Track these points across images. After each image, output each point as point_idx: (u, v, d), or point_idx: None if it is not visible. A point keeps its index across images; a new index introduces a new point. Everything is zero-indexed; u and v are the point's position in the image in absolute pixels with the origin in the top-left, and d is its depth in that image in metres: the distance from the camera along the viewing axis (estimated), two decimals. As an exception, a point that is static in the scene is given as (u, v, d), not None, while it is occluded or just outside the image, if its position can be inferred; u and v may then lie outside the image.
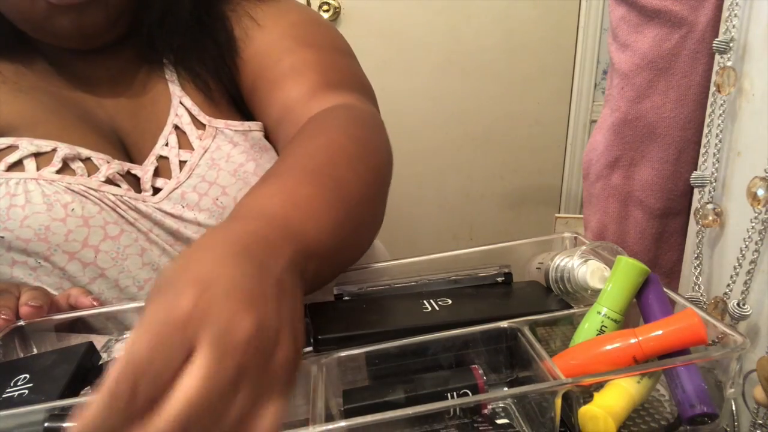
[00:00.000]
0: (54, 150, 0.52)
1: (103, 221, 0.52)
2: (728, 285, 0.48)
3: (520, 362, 0.41)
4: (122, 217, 0.53)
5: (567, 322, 0.45)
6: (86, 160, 0.53)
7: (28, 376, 0.40)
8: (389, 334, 0.41)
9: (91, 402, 0.25)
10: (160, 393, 0.26)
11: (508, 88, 1.77)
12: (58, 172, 0.52)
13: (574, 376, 0.35)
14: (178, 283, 0.28)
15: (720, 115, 0.50)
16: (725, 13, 0.49)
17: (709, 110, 0.52)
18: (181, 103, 0.58)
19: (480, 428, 0.38)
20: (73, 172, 0.52)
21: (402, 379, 0.38)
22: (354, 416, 0.33)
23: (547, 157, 1.86)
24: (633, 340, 0.36)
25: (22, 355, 0.47)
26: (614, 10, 0.63)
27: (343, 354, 0.40)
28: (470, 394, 0.37)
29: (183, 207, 0.55)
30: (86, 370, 0.42)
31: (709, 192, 0.51)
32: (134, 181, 0.56)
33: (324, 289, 0.51)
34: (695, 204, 0.54)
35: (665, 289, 0.42)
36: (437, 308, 0.45)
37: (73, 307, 0.49)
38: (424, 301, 0.46)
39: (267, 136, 0.61)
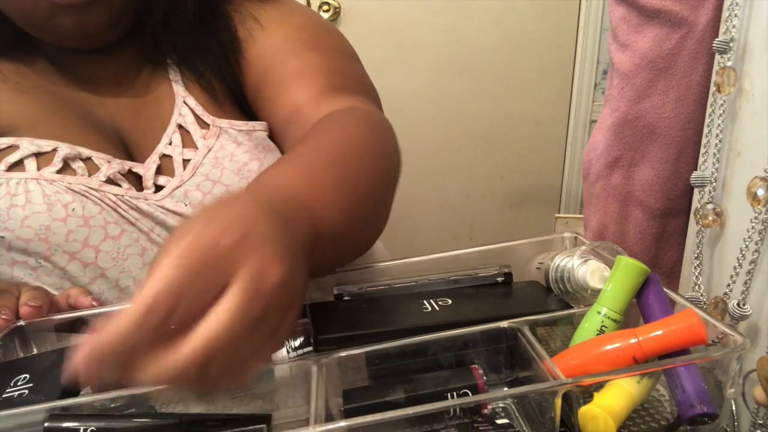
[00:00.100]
0: (55, 150, 0.52)
1: (104, 221, 0.52)
2: (728, 285, 0.48)
3: (520, 362, 0.41)
4: (123, 217, 0.53)
5: (567, 322, 0.45)
6: (87, 160, 0.53)
7: (28, 376, 0.40)
8: (389, 334, 0.41)
9: (124, 313, 0.26)
10: (190, 319, 0.27)
11: (508, 88, 1.77)
12: (59, 172, 0.52)
13: (574, 376, 0.35)
14: (220, 219, 0.29)
15: (720, 115, 0.50)
16: (725, 13, 0.49)
17: (709, 110, 0.52)
18: (185, 102, 0.58)
19: (480, 428, 0.38)
20: (74, 172, 0.52)
21: (402, 379, 0.38)
22: (354, 416, 0.33)
23: (547, 157, 1.86)
24: (633, 340, 0.36)
25: (22, 355, 0.46)
26: (614, 10, 0.63)
27: (343, 354, 0.40)
28: (470, 394, 0.37)
29: (186, 205, 0.55)
30: (86, 370, 0.42)
31: (709, 192, 0.51)
32: (136, 180, 0.56)
33: (324, 289, 0.51)
34: (695, 204, 0.54)
35: (665, 289, 0.41)
36: (437, 308, 0.45)
37: (73, 307, 0.49)
38: (424, 301, 0.46)
39: (271, 137, 0.61)
